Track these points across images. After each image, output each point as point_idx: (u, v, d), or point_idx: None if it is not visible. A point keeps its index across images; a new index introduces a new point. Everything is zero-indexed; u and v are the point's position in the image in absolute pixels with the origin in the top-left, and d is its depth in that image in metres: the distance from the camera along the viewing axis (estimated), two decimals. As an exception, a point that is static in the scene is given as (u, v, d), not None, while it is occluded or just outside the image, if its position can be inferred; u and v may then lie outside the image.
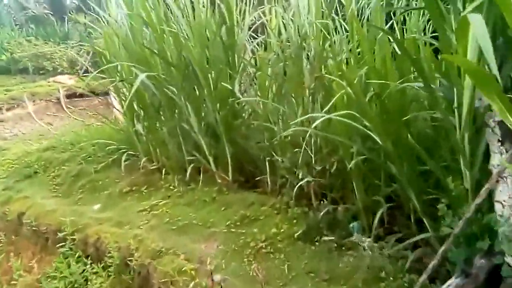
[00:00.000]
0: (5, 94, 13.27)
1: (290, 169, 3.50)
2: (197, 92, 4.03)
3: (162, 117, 4.38)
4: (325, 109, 2.63)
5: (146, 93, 4.30)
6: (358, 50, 3.42)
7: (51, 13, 20.76)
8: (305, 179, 3.24)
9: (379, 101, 2.61)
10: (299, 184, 3.28)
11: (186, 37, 3.92)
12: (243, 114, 4.17)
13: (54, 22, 19.66)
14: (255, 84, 4.20)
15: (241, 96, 3.74)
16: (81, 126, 6.52)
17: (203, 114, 4.09)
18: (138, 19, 3.98)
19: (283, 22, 3.99)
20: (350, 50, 3.29)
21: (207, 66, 3.94)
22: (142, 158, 4.66)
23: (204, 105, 4.05)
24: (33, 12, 20.91)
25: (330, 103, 2.62)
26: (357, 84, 2.69)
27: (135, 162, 4.71)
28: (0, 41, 17.45)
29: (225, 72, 4.01)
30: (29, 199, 4.46)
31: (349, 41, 3.47)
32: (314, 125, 2.50)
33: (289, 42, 3.77)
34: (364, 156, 2.88)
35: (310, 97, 3.48)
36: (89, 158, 5.04)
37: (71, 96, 12.71)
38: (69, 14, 17.60)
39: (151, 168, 4.58)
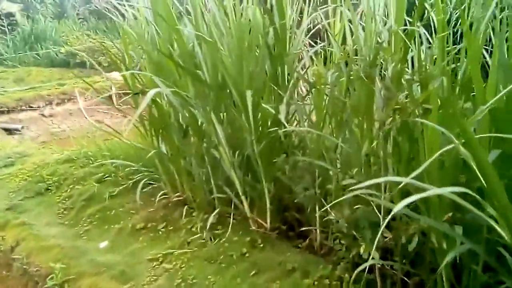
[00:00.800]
0: (56, 88, 13.03)
1: (348, 233, 2.51)
2: (232, 114, 3.11)
3: (192, 140, 3.49)
4: (414, 173, 1.59)
5: (172, 109, 3.45)
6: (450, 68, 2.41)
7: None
8: (369, 262, 2.23)
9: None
10: (362, 266, 2.28)
11: (221, 44, 3.02)
12: (290, 145, 3.21)
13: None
14: (308, 105, 3.24)
15: (286, 124, 2.78)
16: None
17: (238, 142, 3.18)
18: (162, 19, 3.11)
19: (350, 27, 3.03)
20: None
21: (248, 81, 3.02)
22: (164, 187, 3.82)
23: (239, 131, 3.13)
24: (96, 7, 20.89)
25: (422, 168, 1.58)
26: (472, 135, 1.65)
27: (156, 190, 3.87)
28: (60, 34, 17.51)
29: (270, 89, 3.08)
30: (26, 226, 3.72)
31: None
32: (397, 209, 1.46)
33: (357, 55, 2.80)
34: (467, 247, 1.85)
35: (382, 133, 2.48)
36: (107, 179, 4.26)
37: (123, 93, 12.16)
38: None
39: (174, 199, 3.72)
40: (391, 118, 2.25)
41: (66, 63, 16.06)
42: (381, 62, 2.74)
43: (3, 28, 19.42)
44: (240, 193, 3.19)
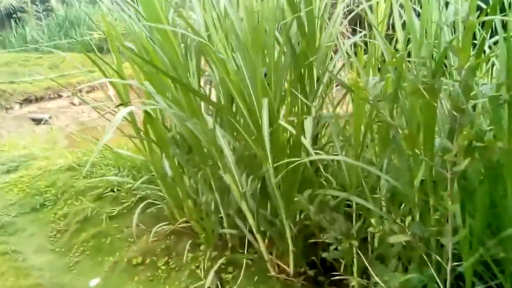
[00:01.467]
0: (87, 75, 12.65)
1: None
2: (241, 133, 2.39)
3: (198, 161, 2.80)
4: None
5: (173, 123, 2.79)
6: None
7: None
8: None
9: None
10: None
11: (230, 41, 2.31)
12: (319, 172, 2.49)
13: None
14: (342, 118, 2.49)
15: (311, 150, 2.04)
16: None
17: (251, 164, 2.48)
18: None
19: (399, 12, 2.27)
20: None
21: (262, 87, 2.29)
22: (168, 210, 3.18)
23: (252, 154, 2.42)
24: (129, -10, 20.41)
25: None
26: None
27: (160, 212, 3.25)
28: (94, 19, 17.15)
29: (294, 100, 2.35)
30: (8, 256, 3.17)
31: None
32: None
33: (410, 55, 2.03)
34: None
35: (450, 175, 1.71)
36: (108, 194, 3.65)
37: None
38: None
39: (179, 226, 3.07)
40: (468, 159, 1.48)
41: (100, 49, 15.71)
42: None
43: (38, 14, 19.30)
44: (254, 231, 2.49)
